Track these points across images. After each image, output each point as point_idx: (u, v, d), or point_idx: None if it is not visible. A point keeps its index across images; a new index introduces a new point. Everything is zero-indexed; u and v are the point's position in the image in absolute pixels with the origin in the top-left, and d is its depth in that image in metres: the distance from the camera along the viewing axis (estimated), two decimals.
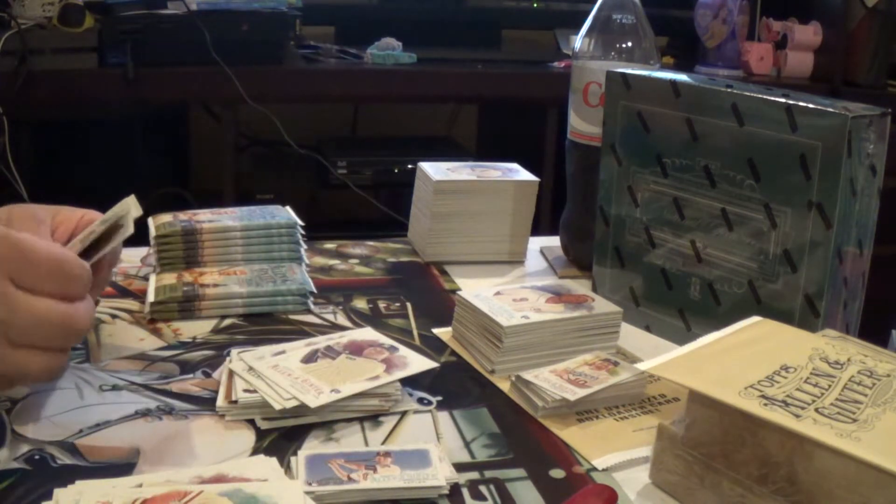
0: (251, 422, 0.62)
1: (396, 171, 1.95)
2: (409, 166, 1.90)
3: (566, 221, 0.97)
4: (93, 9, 1.71)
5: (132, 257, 0.93)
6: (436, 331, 0.79)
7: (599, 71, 0.87)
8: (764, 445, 0.50)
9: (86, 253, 0.62)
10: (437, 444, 0.60)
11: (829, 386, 0.53)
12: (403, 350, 0.70)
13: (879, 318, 0.87)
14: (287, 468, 0.56)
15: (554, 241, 1.01)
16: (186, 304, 0.79)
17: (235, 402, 0.63)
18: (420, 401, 0.67)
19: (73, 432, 0.60)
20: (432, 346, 0.76)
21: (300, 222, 0.89)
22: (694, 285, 0.77)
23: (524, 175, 0.99)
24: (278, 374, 0.65)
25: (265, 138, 2.06)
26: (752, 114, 0.70)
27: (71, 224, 0.66)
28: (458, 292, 0.77)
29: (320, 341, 0.71)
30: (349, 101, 2.23)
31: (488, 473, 0.58)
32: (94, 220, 0.66)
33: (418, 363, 0.69)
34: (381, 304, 0.85)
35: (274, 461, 0.55)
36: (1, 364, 0.54)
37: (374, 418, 0.64)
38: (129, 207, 0.64)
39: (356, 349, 0.70)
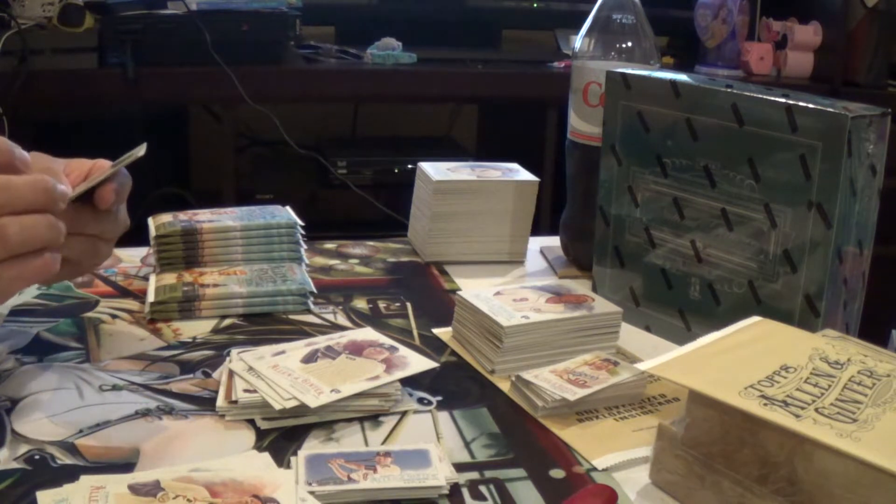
0: (251, 422, 0.62)
1: (396, 171, 1.95)
2: (409, 166, 1.90)
3: (566, 221, 0.97)
4: (93, 9, 1.71)
5: (132, 257, 0.93)
6: (436, 331, 0.79)
7: (599, 71, 0.87)
8: (764, 445, 0.50)
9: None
10: (437, 444, 0.60)
11: (829, 386, 0.53)
12: (403, 350, 0.70)
13: (879, 318, 0.87)
14: (287, 468, 0.56)
15: (554, 241, 1.01)
16: (186, 304, 0.79)
17: (235, 402, 0.63)
18: (420, 401, 0.67)
19: (73, 432, 0.60)
20: (432, 346, 0.76)
21: (300, 222, 0.89)
22: (694, 285, 0.77)
23: (524, 175, 0.99)
24: (278, 374, 0.65)
25: (265, 138, 2.06)
26: (752, 114, 0.70)
27: (83, 171, 0.69)
28: (458, 292, 0.77)
29: (320, 341, 0.71)
30: (349, 101, 2.23)
31: (488, 473, 0.58)
32: (105, 167, 0.68)
33: (418, 363, 0.69)
34: (381, 304, 0.85)
35: (266, 456, 0.56)
36: None
37: (374, 418, 0.64)
38: (142, 147, 0.68)
39: (356, 349, 0.70)
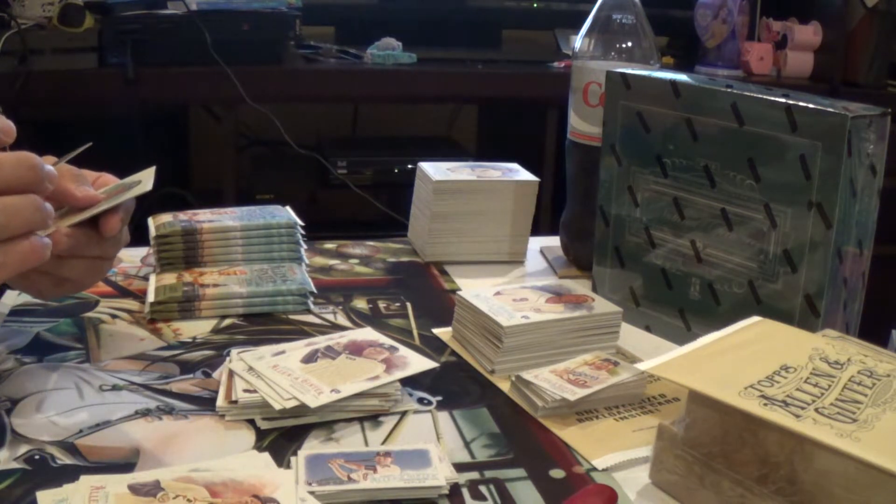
0: (251, 422, 0.62)
1: (396, 171, 1.95)
2: (409, 166, 1.89)
3: (566, 221, 0.97)
4: (93, 9, 1.71)
5: (132, 257, 0.93)
6: (436, 331, 0.79)
7: (599, 71, 0.87)
8: (764, 445, 0.50)
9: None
10: (437, 444, 0.60)
11: (829, 386, 0.53)
12: (403, 350, 0.70)
13: (879, 318, 0.87)
14: (287, 468, 0.56)
15: (554, 241, 1.01)
16: (186, 304, 0.79)
17: (235, 402, 0.63)
18: (420, 401, 0.67)
19: (73, 432, 0.60)
20: (432, 346, 0.76)
21: (300, 222, 0.89)
22: (694, 285, 0.77)
23: (524, 175, 0.99)
24: (278, 374, 0.65)
25: (265, 138, 2.05)
26: (752, 114, 0.70)
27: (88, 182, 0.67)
28: (458, 292, 0.77)
29: (320, 341, 0.71)
30: (349, 101, 2.23)
31: (488, 473, 0.58)
32: (108, 183, 0.68)
33: (418, 363, 0.69)
34: (381, 304, 0.85)
35: (266, 456, 0.56)
36: None
37: (374, 418, 0.64)
38: (150, 173, 0.67)
39: (356, 349, 0.70)
